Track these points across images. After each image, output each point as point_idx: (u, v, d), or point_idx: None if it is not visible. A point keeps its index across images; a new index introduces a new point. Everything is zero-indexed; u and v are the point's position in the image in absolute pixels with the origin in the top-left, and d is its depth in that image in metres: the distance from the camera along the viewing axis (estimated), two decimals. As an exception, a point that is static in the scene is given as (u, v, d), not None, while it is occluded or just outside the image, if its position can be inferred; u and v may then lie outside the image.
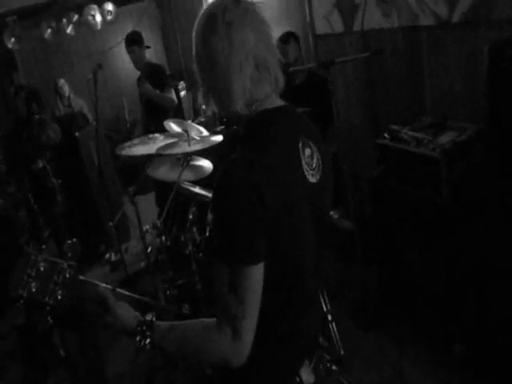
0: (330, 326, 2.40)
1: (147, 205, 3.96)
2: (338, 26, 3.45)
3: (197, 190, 2.82)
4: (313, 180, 1.06)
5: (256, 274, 0.93)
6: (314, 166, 1.08)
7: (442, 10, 2.61)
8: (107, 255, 4.12)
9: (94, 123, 4.15)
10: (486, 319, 2.10)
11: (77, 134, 4.01)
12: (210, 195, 2.73)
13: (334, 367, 2.27)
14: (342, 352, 2.33)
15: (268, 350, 1.07)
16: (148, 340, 1.04)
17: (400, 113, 3.06)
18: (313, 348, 1.25)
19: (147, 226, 3.66)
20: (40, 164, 3.11)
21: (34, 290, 1.07)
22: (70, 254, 1.16)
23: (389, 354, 2.43)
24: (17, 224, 2.30)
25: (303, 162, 1.05)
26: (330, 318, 2.42)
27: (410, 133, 2.40)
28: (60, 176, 3.35)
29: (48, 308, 1.09)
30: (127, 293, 1.19)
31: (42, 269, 1.08)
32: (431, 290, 2.34)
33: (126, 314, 1.09)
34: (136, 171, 3.64)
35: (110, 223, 3.79)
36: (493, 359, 2.10)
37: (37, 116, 3.21)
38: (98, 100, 3.37)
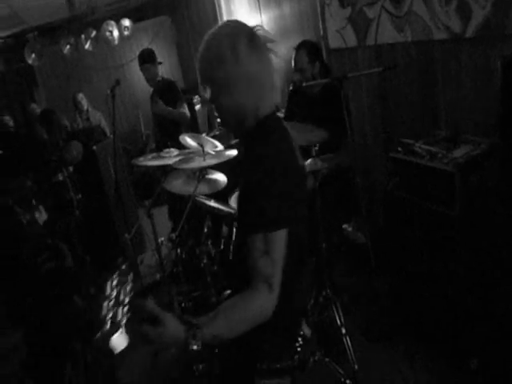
0: (344, 339, 2.40)
1: (162, 218, 4.00)
2: (352, 41, 3.49)
3: (211, 203, 2.86)
4: (301, 162, 1.39)
5: (283, 236, 1.19)
6: (299, 152, 1.39)
7: (456, 24, 2.63)
8: (123, 267, 4.16)
9: (111, 136, 4.23)
10: (503, 333, 2.07)
11: (94, 147, 4.09)
12: (224, 208, 2.76)
13: (348, 381, 2.27)
14: (357, 367, 2.32)
15: (285, 303, 1.26)
16: (199, 341, 1.11)
17: (413, 127, 3.06)
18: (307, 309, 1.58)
19: (162, 239, 3.71)
20: (60, 177, 3.18)
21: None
22: (125, 265, 1.23)
23: (402, 367, 2.40)
24: (38, 242, 2.36)
25: (295, 148, 1.35)
26: (343, 331, 2.42)
27: (424, 146, 2.40)
28: (78, 189, 3.42)
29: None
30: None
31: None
32: (445, 303, 2.32)
33: (174, 323, 1.15)
34: (151, 185, 3.70)
35: (126, 235, 3.85)
36: (510, 375, 2.07)
37: (61, 142, 3.30)
38: (115, 115, 3.45)
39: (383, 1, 3.10)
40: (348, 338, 2.40)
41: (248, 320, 1.19)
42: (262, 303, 1.18)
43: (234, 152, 3.03)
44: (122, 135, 5.61)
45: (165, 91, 3.97)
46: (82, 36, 5.98)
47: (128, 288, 1.18)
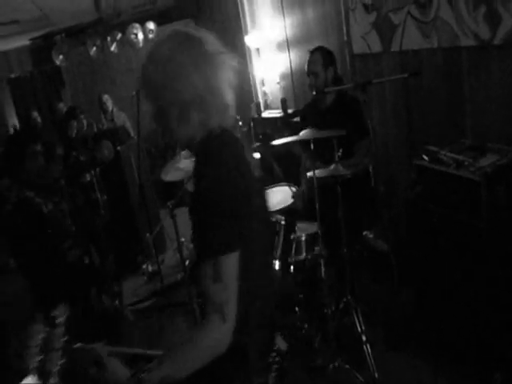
0: (364, 347, 2.39)
1: (184, 218, 4.04)
2: (376, 46, 3.47)
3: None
4: (256, 173, 1.32)
5: (235, 259, 1.13)
6: (253, 164, 1.34)
7: (484, 31, 2.60)
8: (144, 266, 4.23)
9: (135, 138, 4.30)
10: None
11: (119, 148, 4.16)
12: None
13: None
14: (377, 375, 2.31)
15: (244, 331, 1.21)
16: None
17: (438, 134, 3.03)
18: (276, 324, 1.45)
19: (183, 239, 3.75)
20: (88, 177, 3.25)
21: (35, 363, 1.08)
22: (61, 319, 1.18)
23: (424, 377, 2.38)
24: (62, 229, 2.40)
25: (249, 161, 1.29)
26: (364, 338, 2.41)
27: (450, 154, 2.38)
28: (104, 190, 3.49)
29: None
30: (124, 349, 1.22)
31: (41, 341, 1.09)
32: (469, 314, 2.29)
33: (119, 368, 1.14)
34: (173, 185, 3.74)
35: (148, 234, 3.90)
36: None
37: (90, 140, 3.37)
38: (139, 116, 3.51)
39: (409, 6, 3.09)
40: (368, 346, 2.39)
41: (202, 357, 1.12)
42: (215, 336, 1.11)
43: (256, 155, 3.05)
44: (145, 136, 5.69)
45: None
46: (108, 38, 6.09)
47: (59, 333, 1.12)
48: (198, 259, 1.17)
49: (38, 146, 2.30)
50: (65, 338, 1.15)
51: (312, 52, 3.02)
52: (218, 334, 1.11)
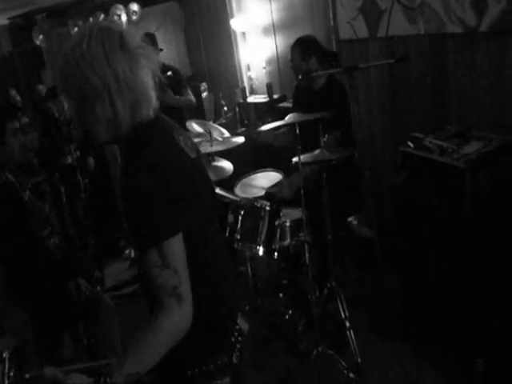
0: (348, 332, 2.40)
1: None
2: (363, 32, 3.45)
3: (217, 190, 2.85)
4: (193, 155, 1.32)
5: (179, 241, 1.13)
6: (189, 146, 1.33)
7: (470, 18, 2.59)
8: (127, 251, 4.19)
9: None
10: (510, 335, 2.06)
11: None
12: (230, 196, 2.76)
13: (350, 374, 2.28)
14: (360, 360, 2.33)
15: (203, 306, 1.21)
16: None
17: (423, 121, 3.04)
18: (239, 303, 1.48)
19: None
20: (69, 159, 3.18)
21: None
22: (4, 354, 1.08)
23: (407, 364, 2.41)
24: (40, 217, 2.34)
25: (182, 145, 1.28)
26: (348, 324, 2.42)
27: (435, 141, 2.38)
28: (84, 172, 3.43)
29: None
30: (75, 366, 1.17)
31: None
32: (453, 301, 2.31)
33: (81, 380, 1.09)
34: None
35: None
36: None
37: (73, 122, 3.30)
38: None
39: (396, -8, 3.06)
40: (352, 331, 2.40)
41: (165, 342, 1.11)
42: (175, 319, 1.11)
43: (241, 139, 3.02)
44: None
45: (169, 78, 3.96)
46: (90, 19, 5.93)
47: (3, 369, 1.05)
48: (139, 252, 1.14)
49: (17, 124, 2.25)
50: (11, 373, 1.08)
51: (291, 49, 3.02)
52: (178, 317, 1.11)
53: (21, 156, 2.26)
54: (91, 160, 3.79)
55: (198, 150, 1.39)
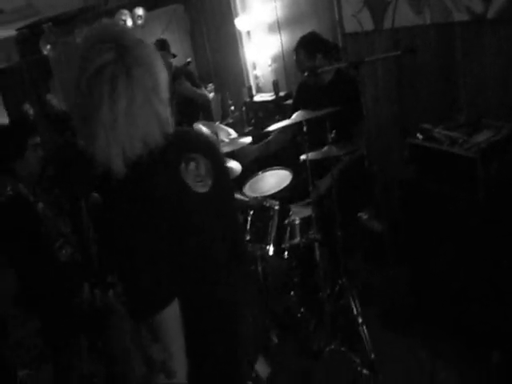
0: (361, 328, 2.37)
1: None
2: (368, 24, 3.40)
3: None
4: (203, 188, 1.12)
5: (172, 312, 0.99)
6: (202, 174, 1.14)
7: (477, 5, 2.54)
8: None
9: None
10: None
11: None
12: (238, 197, 2.75)
13: (364, 371, 2.25)
14: (373, 356, 2.29)
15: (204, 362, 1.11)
16: None
17: (431, 112, 2.99)
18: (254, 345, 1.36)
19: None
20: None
21: None
22: None
23: (421, 357, 2.36)
24: (51, 228, 2.37)
25: (187, 179, 1.10)
26: (360, 320, 2.39)
27: (444, 132, 2.34)
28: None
29: None
30: None
31: None
32: (466, 292, 2.27)
33: None
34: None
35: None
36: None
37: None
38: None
39: (401, -18, 3.02)
40: (365, 327, 2.37)
41: None
42: None
43: (248, 139, 3.00)
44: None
45: (187, 76, 4.04)
46: (96, 26, 5.99)
47: None
48: (131, 314, 1.06)
49: (37, 138, 2.30)
50: None
51: (295, 50, 2.98)
52: None
53: (38, 169, 2.31)
54: None
55: (218, 176, 1.19)
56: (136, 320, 1.02)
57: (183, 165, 1.11)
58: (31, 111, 5.43)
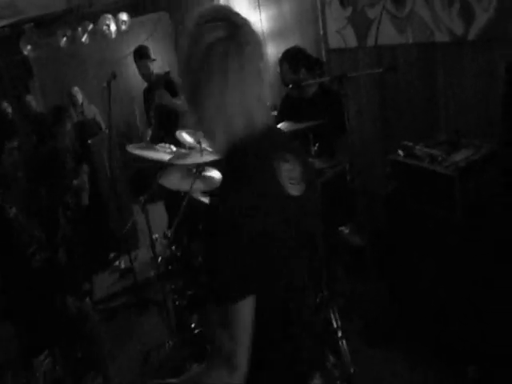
0: (340, 342, 2.38)
1: (158, 214, 3.96)
2: (352, 41, 3.47)
3: (208, 200, 2.82)
4: (296, 191, 1.08)
5: (247, 307, 0.99)
6: (295, 177, 1.09)
7: (458, 27, 2.62)
8: (117, 262, 4.13)
9: (107, 131, 4.18)
10: (503, 341, 2.05)
11: (89, 141, 4.04)
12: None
13: (343, 385, 2.25)
14: (352, 370, 2.30)
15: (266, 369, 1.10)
16: None
17: (413, 129, 3.05)
18: (317, 361, 1.28)
19: (157, 235, 3.66)
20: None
21: None
22: None
23: (400, 372, 2.39)
24: (26, 234, 2.31)
25: (282, 178, 1.06)
26: (340, 334, 2.40)
27: (424, 149, 2.39)
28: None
29: None
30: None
31: None
32: (444, 308, 2.30)
33: None
34: (146, 180, 3.65)
35: (122, 231, 3.81)
36: None
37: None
38: (111, 108, 3.40)
39: (384, 1, 3.09)
40: (344, 341, 2.38)
41: None
42: (225, 381, 1.00)
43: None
44: (117, 130, 5.54)
45: (165, 85, 3.98)
46: (79, 29, 5.90)
47: None
48: (207, 297, 1.07)
49: (15, 143, 2.24)
50: None
51: (279, 64, 3.01)
52: (229, 379, 1.01)
53: (12, 173, 2.25)
54: (85, 167, 3.72)
55: (310, 180, 1.16)
56: (218, 304, 1.00)
57: (277, 162, 1.07)
58: (9, 109, 5.31)
